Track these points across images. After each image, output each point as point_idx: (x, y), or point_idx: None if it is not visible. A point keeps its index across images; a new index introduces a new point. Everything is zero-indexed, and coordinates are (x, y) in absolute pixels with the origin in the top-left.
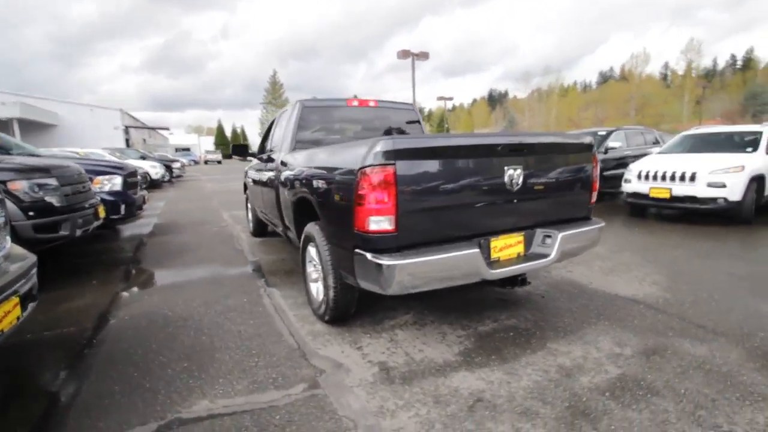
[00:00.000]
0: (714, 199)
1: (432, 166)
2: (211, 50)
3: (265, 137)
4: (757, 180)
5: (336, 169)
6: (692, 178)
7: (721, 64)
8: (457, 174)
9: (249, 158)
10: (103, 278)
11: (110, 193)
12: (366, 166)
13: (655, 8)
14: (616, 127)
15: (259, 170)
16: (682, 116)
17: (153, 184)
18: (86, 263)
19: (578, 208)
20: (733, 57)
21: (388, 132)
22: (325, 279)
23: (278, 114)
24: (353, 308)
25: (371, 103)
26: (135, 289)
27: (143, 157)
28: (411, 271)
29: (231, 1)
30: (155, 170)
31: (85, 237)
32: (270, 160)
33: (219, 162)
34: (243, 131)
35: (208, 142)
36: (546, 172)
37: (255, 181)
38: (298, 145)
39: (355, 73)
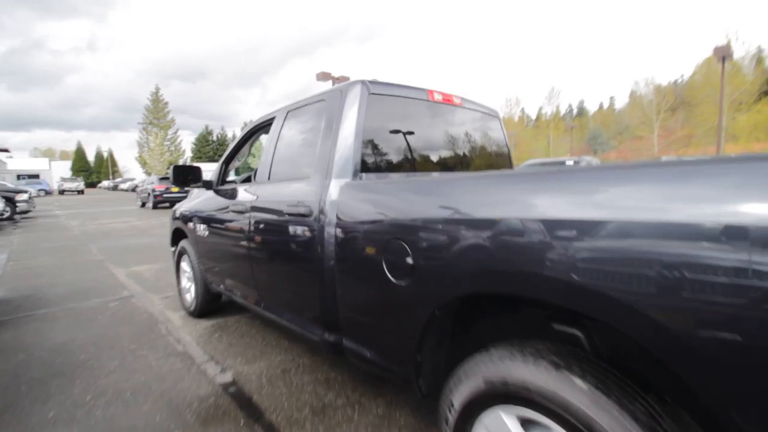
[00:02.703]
0: None
1: None
2: (72, 63)
3: (231, 156)
4: None
5: None
6: None
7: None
8: None
9: (197, 187)
10: None
11: None
12: None
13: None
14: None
15: (237, 211)
16: (549, 152)
17: None
18: None
19: None
20: (570, 106)
21: (484, 151)
22: None
23: (281, 112)
24: None
25: (456, 100)
26: None
27: None
28: None
29: (102, 9)
30: None
31: None
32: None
33: (80, 192)
34: (111, 155)
35: (63, 168)
36: None
37: (219, 228)
38: (362, 165)
39: (248, 99)
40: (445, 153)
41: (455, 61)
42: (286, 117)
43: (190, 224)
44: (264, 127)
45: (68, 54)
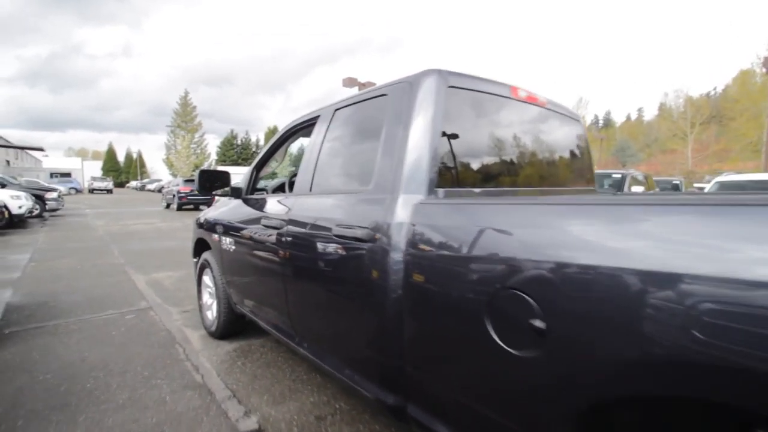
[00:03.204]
0: None
1: None
2: (107, 67)
3: (263, 162)
4: None
5: None
6: None
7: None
8: None
9: (226, 197)
10: None
11: None
12: None
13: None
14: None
15: (270, 226)
16: None
17: (13, 223)
18: None
19: None
20: (596, 117)
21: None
22: None
23: (327, 110)
24: None
25: (541, 100)
26: None
27: (1, 185)
28: None
29: (137, 17)
30: (18, 202)
31: None
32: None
33: (109, 191)
34: (140, 156)
35: (94, 167)
36: None
37: (247, 243)
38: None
39: (271, 105)
40: (527, 162)
41: (480, 71)
42: (333, 117)
43: (215, 235)
44: (304, 128)
45: (104, 59)
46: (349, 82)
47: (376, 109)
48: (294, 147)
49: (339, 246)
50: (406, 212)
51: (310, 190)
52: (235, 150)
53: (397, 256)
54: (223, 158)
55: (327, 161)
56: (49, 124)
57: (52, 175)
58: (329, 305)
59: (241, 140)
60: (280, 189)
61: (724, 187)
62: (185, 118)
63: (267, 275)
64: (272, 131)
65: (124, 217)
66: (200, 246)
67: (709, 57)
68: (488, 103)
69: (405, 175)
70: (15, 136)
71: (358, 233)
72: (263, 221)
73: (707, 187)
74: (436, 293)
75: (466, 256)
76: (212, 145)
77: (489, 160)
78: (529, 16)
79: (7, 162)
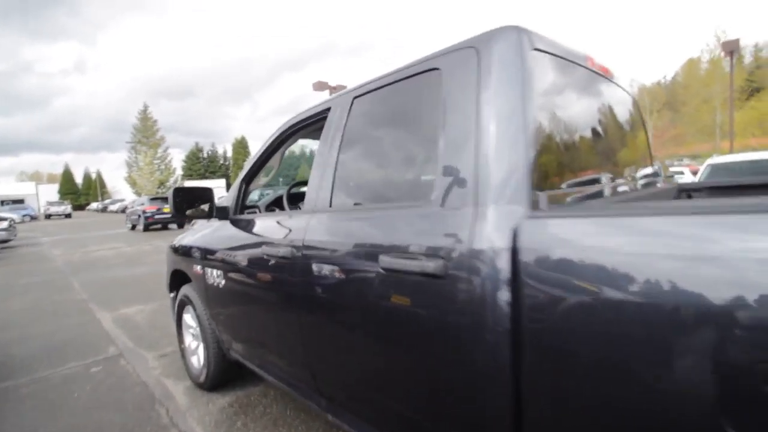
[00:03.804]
0: None
1: None
2: (60, 85)
3: (254, 173)
4: None
5: None
6: None
7: None
8: None
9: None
10: None
11: None
12: None
13: None
14: None
15: (275, 256)
16: None
17: None
18: None
19: None
20: None
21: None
22: None
23: (342, 99)
24: None
25: (609, 71)
26: None
27: None
28: None
29: (90, 31)
30: None
31: None
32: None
33: (67, 216)
34: (99, 176)
35: (50, 191)
36: None
37: (242, 277)
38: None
39: (238, 115)
40: (609, 146)
41: None
42: (351, 107)
43: (196, 266)
44: (307, 126)
45: (56, 76)
46: (320, 86)
47: (421, 90)
48: (291, 151)
49: (390, 283)
50: (501, 232)
51: (330, 205)
52: (201, 163)
53: (497, 298)
54: (189, 172)
55: (352, 167)
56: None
57: (2, 202)
58: (378, 362)
59: (208, 153)
60: (274, 205)
61: (718, 169)
62: (146, 133)
63: (273, 318)
64: (240, 141)
65: (86, 243)
66: (177, 278)
67: (658, 46)
68: (573, 75)
69: (491, 177)
70: None
71: (427, 266)
72: (264, 248)
73: (700, 171)
74: (580, 356)
75: (639, 303)
76: (177, 159)
77: (582, 147)
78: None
79: None
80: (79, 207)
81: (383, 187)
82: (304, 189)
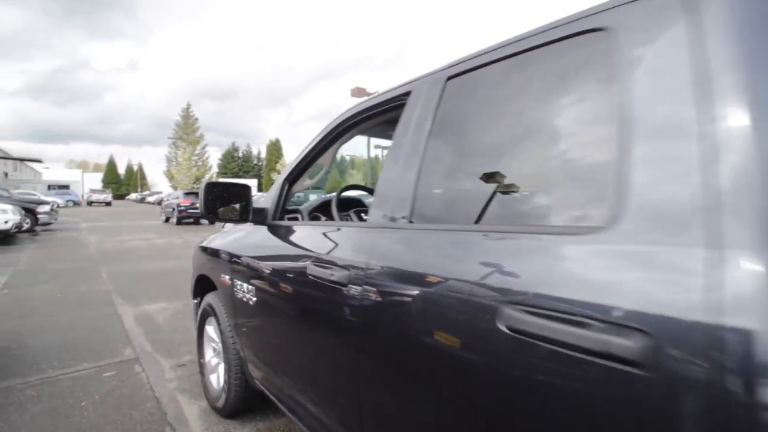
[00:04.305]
0: None
1: None
2: (111, 81)
3: (300, 172)
4: None
5: None
6: None
7: None
8: None
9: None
10: None
11: None
12: None
13: None
14: None
15: (324, 280)
16: None
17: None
18: None
19: None
20: None
21: None
22: None
23: (429, 80)
24: None
25: None
26: None
27: None
28: None
29: (143, 33)
30: (5, 216)
31: None
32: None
33: (108, 204)
34: (141, 168)
35: (94, 179)
36: None
37: (279, 297)
38: None
39: (273, 118)
40: None
41: None
42: (443, 90)
43: (224, 275)
44: (374, 115)
45: (109, 73)
46: (358, 92)
47: (564, 62)
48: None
49: (526, 354)
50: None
51: (411, 220)
52: (236, 162)
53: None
54: (224, 170)
55: (445, 169)
56: (52, 136)
57: (50, 187)
58: None
59: (243, 153)
60: (320, 210)
61: None
62: (187, 130)
63: (314, 353)
64: (274, 143)
65: (120, 232)
66: (202, 284)
67: None
68: None
69: (751, 201)
70: (17, 148)
71: (615, 346)
72: (310, 267)
73: None
74: None
75: None
76: (213, 157)
77: None
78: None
79: (5, 174)
80: (120, 196)
81: (504, 203)
82: (355, 195)
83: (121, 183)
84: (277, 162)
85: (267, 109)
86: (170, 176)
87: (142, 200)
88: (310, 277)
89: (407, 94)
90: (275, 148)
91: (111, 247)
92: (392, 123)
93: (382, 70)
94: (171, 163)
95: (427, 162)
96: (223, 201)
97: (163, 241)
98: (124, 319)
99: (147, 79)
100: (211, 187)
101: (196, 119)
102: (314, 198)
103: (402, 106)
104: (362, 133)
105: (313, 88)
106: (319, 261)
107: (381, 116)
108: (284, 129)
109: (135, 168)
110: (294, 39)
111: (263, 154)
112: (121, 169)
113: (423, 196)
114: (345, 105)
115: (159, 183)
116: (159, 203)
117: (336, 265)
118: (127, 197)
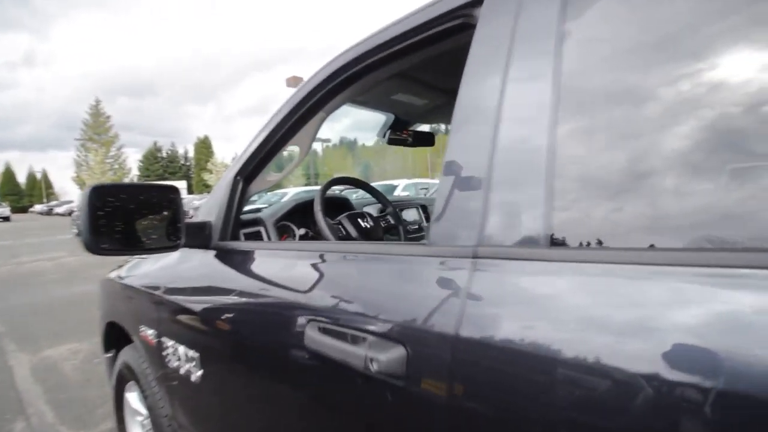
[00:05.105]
0: None
1: None
2: (3, 77)
3: (260, 164)
4: None
5: None
6: None
7: None
8: None
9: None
10: None
11: None
12: None
13: None
14: None
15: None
16: None
17: None
18: None
19: None
20: None
21: None
22: None
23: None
24: None
25: None
26: None
27: None
28: None
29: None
30: None
31: None
32: None
33: (5, 219)
34: (46, 176)
35: None
36: None
37: (244, 369)
38: None
39: (202, 114)
40: None
41: None
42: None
43: (145, 330)
44: (389, 58)
45: (2, 69)
46: (294, 81)
47: None
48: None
49: None
50: None
51: (551, 241)
52: (160, 163)
53: None
54: (146, 173)
55: (609, 139)
56: None
57: None
58: None
59: (167, 152)
60: (293, 218)
61: None
62: (98, 130)
63: None
64: (203, 141)
65: (19, 252)
66: (113, 333)
67: None
68: None
69: None
70: None
71: None
72: (316, 337)
73: None
74: None
75: None
76: (133, 159)
77: None
78: None
79: None
80: (22, 209)
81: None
82: (338, 192)
83: (23, 194)
84: (207, 161)
85: (193, 105)
86: (81, 183)
87: (49, 212)
88: (309, 350)
89: (474, 3)
90: (204, 146)
91: (6, 272)
92: (428, 74)
93: (316, 62)
94: (81, 167)
95: (564, 130)
96: (128, 217)
97: (74, 259)
98: (16, 374)
99: (50, 74)
100: (101, 194)
101: (108, 117)
102: (276, 200)
103: (460, 30)
104: (355, 100)
105: (243, 81)
106: (329, 322)
107: (404, 60)
108: (214, 126)
109: (39, 176)
110: (217, 30)
111: (191, 153)
112: (22, 178)
113: (564, 202)
114: (281, 97)
115: (69, 191)
116: (69, 214)
117: (364, 331)
118: (31, 210)
